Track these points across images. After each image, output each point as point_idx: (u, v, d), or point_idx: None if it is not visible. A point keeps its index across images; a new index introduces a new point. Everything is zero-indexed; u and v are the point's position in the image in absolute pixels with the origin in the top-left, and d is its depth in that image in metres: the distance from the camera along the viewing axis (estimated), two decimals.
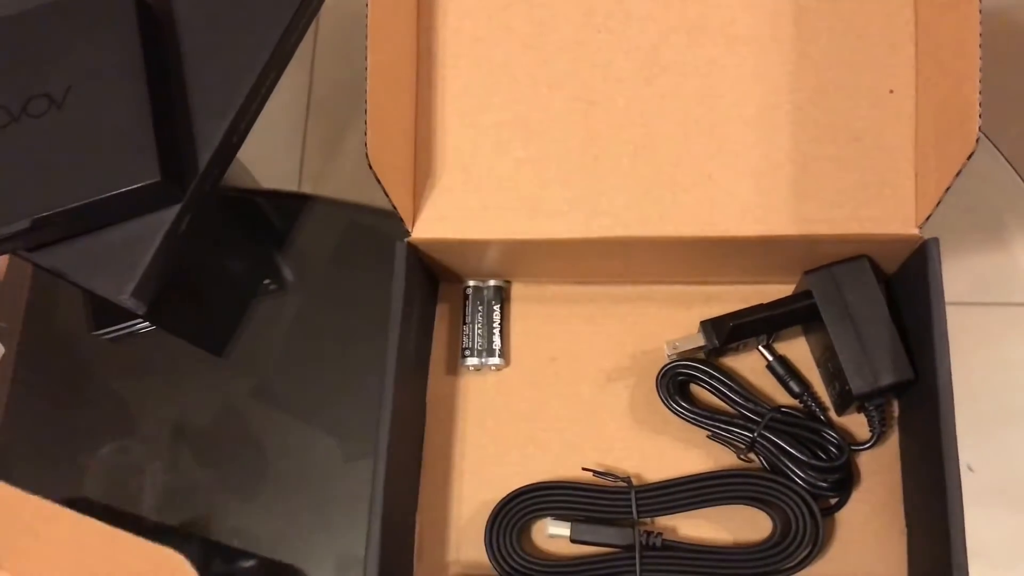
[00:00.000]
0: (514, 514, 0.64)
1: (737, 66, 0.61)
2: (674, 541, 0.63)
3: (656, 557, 0.62)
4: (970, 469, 0.69)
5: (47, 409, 0.78)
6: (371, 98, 0.56)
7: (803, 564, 0.61)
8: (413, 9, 0.63)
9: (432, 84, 0.63)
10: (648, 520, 0.64)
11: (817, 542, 0.60)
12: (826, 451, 0.62)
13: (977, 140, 0.52)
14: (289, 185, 0.84)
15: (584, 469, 0.65)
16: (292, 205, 0.83)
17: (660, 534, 0.62)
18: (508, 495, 0.64)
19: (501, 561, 0.63)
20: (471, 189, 0.63)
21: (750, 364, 0.67)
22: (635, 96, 0.62)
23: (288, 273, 0.81)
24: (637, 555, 0.61)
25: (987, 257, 0.75)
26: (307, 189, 0.84)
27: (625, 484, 0.63)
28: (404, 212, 0.62)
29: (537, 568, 0.63)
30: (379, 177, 0.57)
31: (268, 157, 0.84)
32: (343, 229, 0.81)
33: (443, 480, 0.67)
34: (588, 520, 0.63)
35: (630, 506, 0.62)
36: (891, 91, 0.60)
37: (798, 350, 0.67)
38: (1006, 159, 0.77)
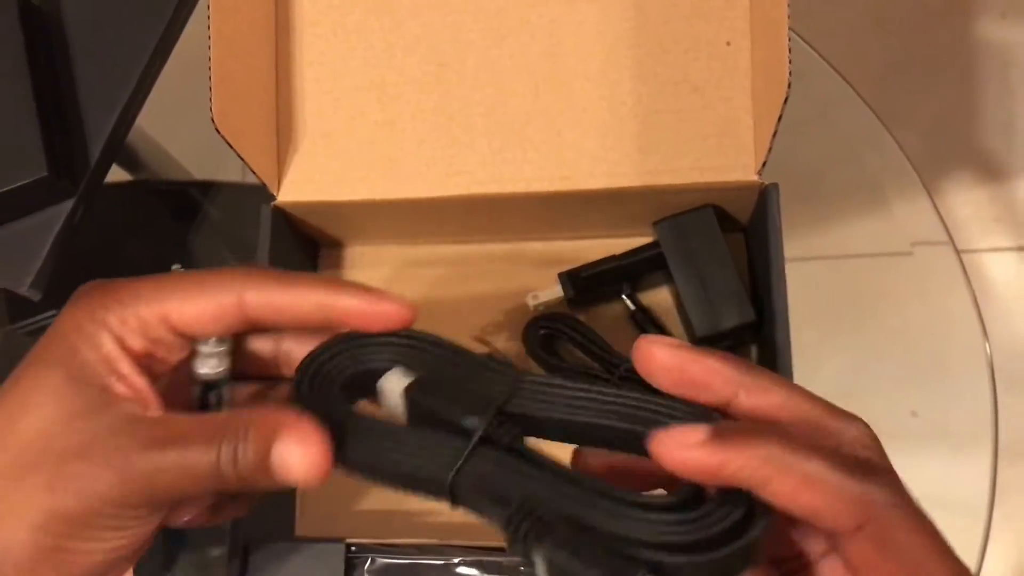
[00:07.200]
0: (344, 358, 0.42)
1: (579, 24, 0.63)
2: (528, 449, 0.38)
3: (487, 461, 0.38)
4: (914, 414, 0.71)
5: None
6: (215, 66, 0.58)
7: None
8: None
9: (290, 52, 0.66)
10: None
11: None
12: None
13: (789, 85, 0.53)
14: (232, 176, 0.86)
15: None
16: (229, 194, 0.84)
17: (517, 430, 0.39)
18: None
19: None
20: (332, 153, 0.65)
21: (621, 314, 0.69)
22: (484, 57, 0.64)
23: (217, 262, 0.82)
24: (471, 445, 0.38)
25: (920, 209, 0.77)
26: (252, 179, 0.85)
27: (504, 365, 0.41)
28: (267, 177, 0.64)
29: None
30: (230, 141, 0.59)
31: (215, 149, 0.86)
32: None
33: None
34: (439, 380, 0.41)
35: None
36: (728, 43, 0.62)
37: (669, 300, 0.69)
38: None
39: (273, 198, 0.65)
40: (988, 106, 1.45)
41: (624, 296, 0.68)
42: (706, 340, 0.62)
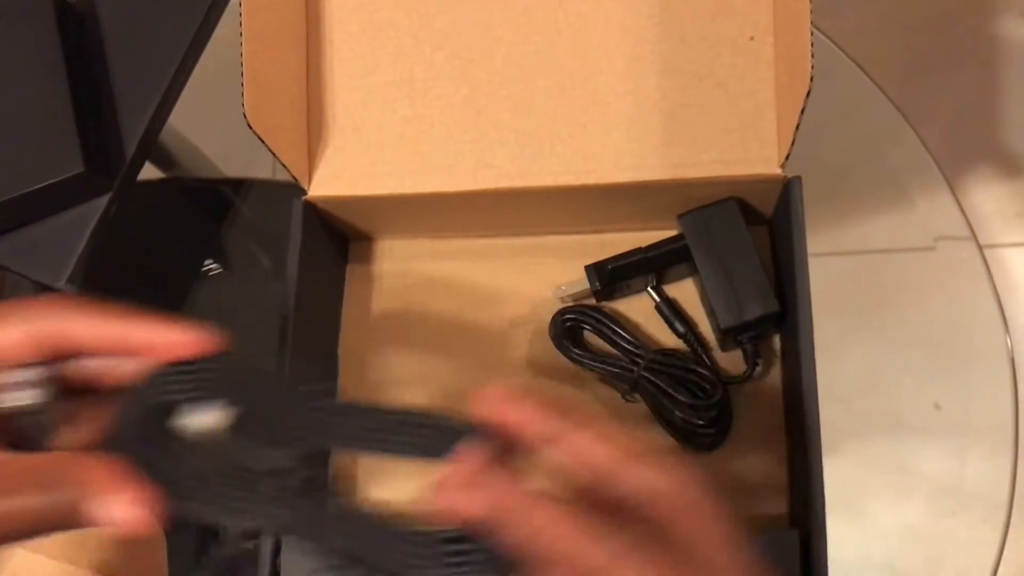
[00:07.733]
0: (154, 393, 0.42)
1: (605, 21, 0.64)
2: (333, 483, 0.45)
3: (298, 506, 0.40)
4: (937, 407, 0.72)
5: None
6: (247, 63, 0.59)
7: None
8: None
9: (321, 48, 0.67)
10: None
11: None
12: (703, 389, 0.64)
13: (812, 78, 0.54)
14: (263, 172, 0.87)
15: None
16: (259, 191, 0.86)
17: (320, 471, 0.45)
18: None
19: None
20: (363, 147, 0.66)
21: (647, 307, 0.70)
22: (512, 53, 0.65)
23: (248, 258, 0.84)
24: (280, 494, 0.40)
25: (943, 204, 0.78)
26: (282, 176, 0.86)
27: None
28: (299, 172, 0.65)
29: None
30: (262, 137, 0.60)
31: (244, 147, 0.88)
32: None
33: None
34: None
35: None
36: (751, 38, 0.63)
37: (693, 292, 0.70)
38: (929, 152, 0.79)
39: (304, 193, 0.66)
40: (1009, 103, 1.45)
41: (649, 288, 0.68)
42: (731, 331, 0.63)
